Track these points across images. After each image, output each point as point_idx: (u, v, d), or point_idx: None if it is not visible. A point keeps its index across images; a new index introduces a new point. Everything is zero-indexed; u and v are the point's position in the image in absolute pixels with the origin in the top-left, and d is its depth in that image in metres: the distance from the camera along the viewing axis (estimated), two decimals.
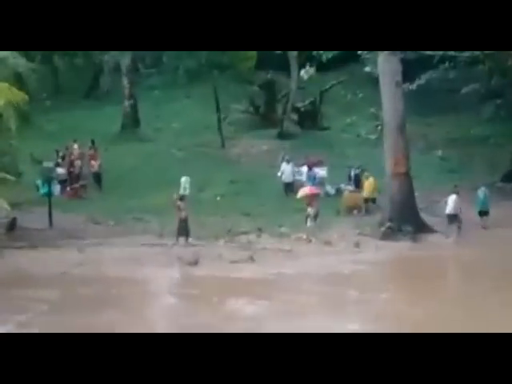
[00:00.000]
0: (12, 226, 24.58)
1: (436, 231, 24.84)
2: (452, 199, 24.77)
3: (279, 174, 30.04)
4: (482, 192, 26.25)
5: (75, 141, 31.59)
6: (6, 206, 21.45)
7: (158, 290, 19.64)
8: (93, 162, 30.45)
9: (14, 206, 23.04)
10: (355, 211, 27.32)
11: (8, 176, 22.40)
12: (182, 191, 26.83)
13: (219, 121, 34.58)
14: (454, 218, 24.55)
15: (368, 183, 27.51)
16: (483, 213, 25.77)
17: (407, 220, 25.02)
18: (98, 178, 29.97)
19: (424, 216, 25.71)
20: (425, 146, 33.73)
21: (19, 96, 21.38)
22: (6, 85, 21.41)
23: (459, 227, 24.42)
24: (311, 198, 26.71)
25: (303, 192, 27.32)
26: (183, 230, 23.82)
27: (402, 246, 23.43)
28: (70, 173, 30.00)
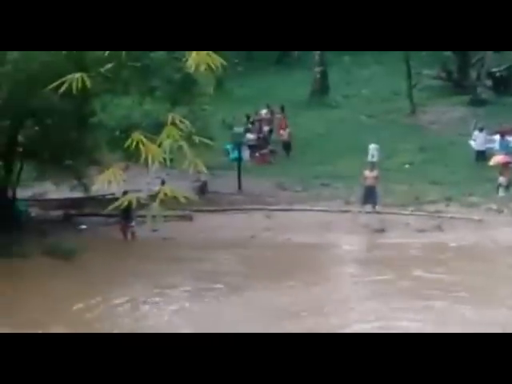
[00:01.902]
0: (203, 189, 25.27)
1: None
2: None
3: (471, 141, 29.20)
4: None
5: (266, 106, 32.03)
6: (203, 168, 22.06)
7: (344, 256, 19.72)
8: (282, 130, 30.75)
9: (208, 169, 23.66)
10: None
11: (204, 140, 23.00)
12: (370, 158, 26.61)
13: (410, 87, 33.95)
14: None
15: None
16: None
17: None
18: (286, 145, 30.25)
19: None
20: None
21: (217, 61, 21.80)
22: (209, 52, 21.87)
23: None
24: (504, 167, 25.82)
25: (495, 160, 26.46)
26: (371, 198, 23.67)
27: None
28: (259, 138, 30.45)
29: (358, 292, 16.29)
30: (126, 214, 20.84)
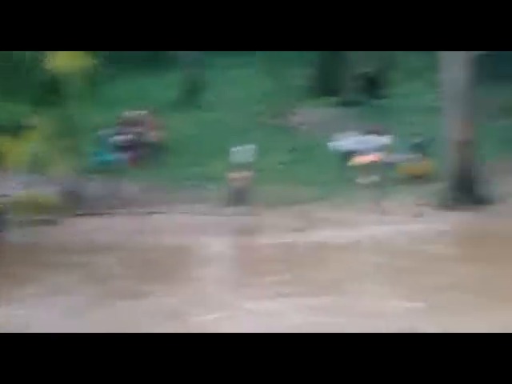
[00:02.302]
0: (74, 193, 24.80)
1: (498, 201, 24.33)
2: None
3: (341, 142, 29.69)
4: None
5: (137, 108, 31.71)
6: (69, 171, 21.70)
7: (215, 257, 19.66)
8: (153, 132, 30.52)
9: (74, 173, 23.27)
10: (416, 180, 26.88)
11: (71, 142, 22.58)
12: (240, 160, 26.70)
13: (280, 88, 34.29)
14: None
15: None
16: None
17: (469, 190, 24.55)
18: (158, 147, 30.03)
19: (486, 186, 25.24)
20: (491, 114, 32.97)
21: (85, 62, 21.41)
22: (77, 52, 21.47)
23: None
24: (373, 167, 26.37)
25: (364, 160, 26.98)
26: (241, 199, 23.77)
27: (462, 217, 23.01)
28: (130, 140, 30.12)
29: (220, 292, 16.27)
30: None
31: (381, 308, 13.73)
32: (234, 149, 27.12)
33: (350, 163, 26.77)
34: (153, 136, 30.45)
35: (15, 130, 20.98)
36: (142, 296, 15.04)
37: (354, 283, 15.83)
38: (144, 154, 29.77)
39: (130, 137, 30.28)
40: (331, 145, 29.27)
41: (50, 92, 21.98)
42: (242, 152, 27.08)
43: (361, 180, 25.71)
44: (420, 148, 28.99)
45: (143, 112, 31.72)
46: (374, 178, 25.81)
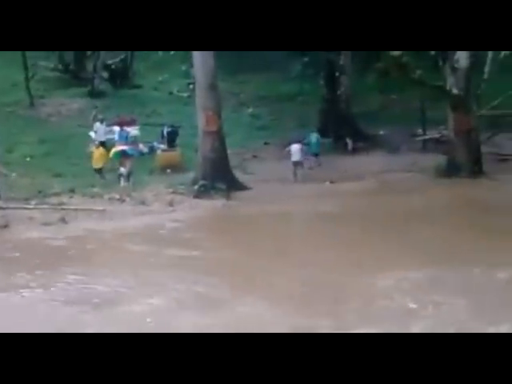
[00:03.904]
0: None
1: (248, 188, 25.37)
2: (296, 148, 27.40)
3: (91, 133, 29.56)
4: (314, 137, 29.64)
5: None
6: None
7: None
8: None
9: None
10: (168, 170, 27.39)
11: None
12: None
13: (27, 79, 33.53)
14: (298, 164, 27.41)
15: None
16: (315, 155, 29.20)
17: (220, 177, 25.37)
18: None
19: (236, 173, 26.24)
20: (236, 103, 34.23)
21: None
22: None
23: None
24: (123, 158, 26.51)
25: (114, 151, 27.04)
26: None
27: (215, 204, 23.77)
28: None
29: None
30: None
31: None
32: None
33: (110, 154, 26.72)
34: None
35: None
36: None
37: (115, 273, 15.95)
38: None
39: None
40: (90, 134, 29.10)
41: None
42: None
43: (122, 170, 25.83)
44: (169, 138, 29.53)
45: None
46: (126, 168, 25.97)
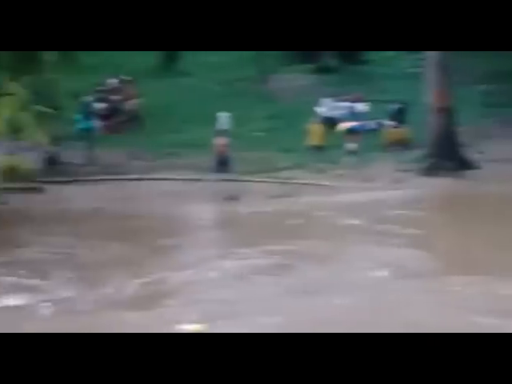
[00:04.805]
0: (53, 160, 24.71)
1: (477, 167, 24.54)
2: None
3: (318, 109, 29.75)
4: None
5: (115, 75, 31.54)
6: (45, 138, 21.57)
7: (195, 225, 19.68)
8: (131, 99, 30.38)
9: (54, 140, 23.14)
10: (396, 147, 27.02)
11: (48, 110, 22.43)
12: (220, 126, 26.70)
13: (258, 55, 34.19)
14: None
15: None
16: None
17: (448, 156, 24.74)
18: (136, 114, 29.93)
19: (465, 152, 25.45)
20: (468, 79, 33.12)
21: None
22: None
23: None
24: (351, 134, 26.49)
25: (343, 127, 27.07)
26: (223, 166, 23.81)
27: (442, 182, 23.20)
28: (109, 108, 29.98)
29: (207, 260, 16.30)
30: None
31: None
32: (217, 115, 27.10)
33: (337, 129, 26.82)
34: (131, 103, 30.33)
35: None
36: (128, 263, 15.09)
37: (337, 249, 15.95)
38: (122, 121, 29.67)
39: (108, 104, 30.14)
40: (317, 110, 29.33)
41: (26, 58, 21.75)
42: (223, 119, 27.08)
43: (348, 147, 25.82)
44: (398, 114, 29.13)
45: (121, 79, 31.55)
46: (354, 144, 25.92)
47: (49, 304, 13.28)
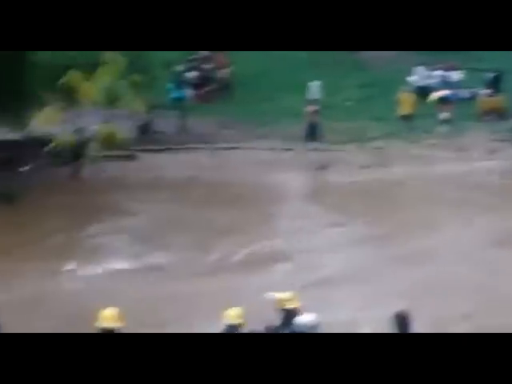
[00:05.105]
0: (146, 128, 24.99)
1: None
2: None
3: (411, 78, 29.27)
4: None
5: None
6: (142, 107, 21.84)
7: (288, 194, 19.71)
8: (222, 68, 30.44)
9: (147, 109, 23.40)
10: (491, 116, 26.41)
11: (144, 78, 22.63)
12: (311, 96, 26.55)
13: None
14: None
15: None
16: None
17: None
18: (228, 82, 29.98)
19: None
20: None
21: None
22: None
23: None
24: (444, 103, 25.99)
25: (436, 96, 26.58)
26: (313, 135, 23.69)
27: None
28: (200, 77, 30.10)
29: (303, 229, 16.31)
30: (71, 154, 20.58)
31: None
32: (308, 84, 26.94)
33: (430, 98, 26.35)
34: (222, 72, 30.37)
35: (89, 66, 21.12)
36: (229, 230, 15.27)
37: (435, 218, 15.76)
38: (214, 90, 29.76)
39: (200, 73, 30.26)
40: (410, 79, 28.88)
41: None
42: (314, 88, 26.91)
43: (442, 116, 25.36)
44: (494, 83, 28.44)
45: None
46: (446, 113, 25.45)
47: (150, 269, 13.56)
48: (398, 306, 8.15)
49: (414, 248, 13.45)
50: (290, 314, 8.61)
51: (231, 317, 8.45)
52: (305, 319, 7.80)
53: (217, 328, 8.48)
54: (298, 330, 7.73)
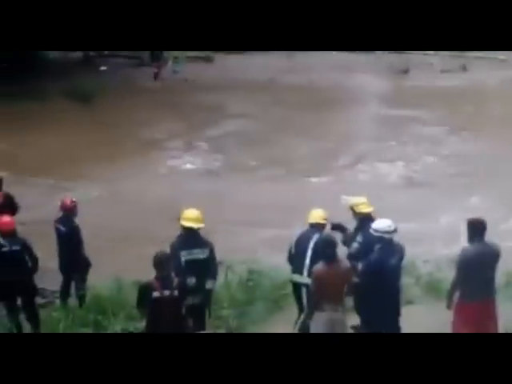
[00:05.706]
0: None
1: None
2: None
3: None
4: None
5: None
6: None
7: (366, 99, 19.43)
8: None
9: None
10: None
11: None
12: None
13: None
14: None
15: None
16: None
17: None
18: None
19: None
20: None
21: None
22: None
23: None
24: None
25: None
26: None
27: None
28: None
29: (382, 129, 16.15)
30: (151, 55, 20.63)
31: None
32: None
33: None
34: None
35: None
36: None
37: None
38: None
39: None
40: None
41: None
42: None
43: None
44: None
45: None
46: None
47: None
48: None
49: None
50: (364, 219, 8.55)
51: (316, 217, 8.43)
52: (383, 223, 7.66)
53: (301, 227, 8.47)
54: (375, 235, 7.60)
